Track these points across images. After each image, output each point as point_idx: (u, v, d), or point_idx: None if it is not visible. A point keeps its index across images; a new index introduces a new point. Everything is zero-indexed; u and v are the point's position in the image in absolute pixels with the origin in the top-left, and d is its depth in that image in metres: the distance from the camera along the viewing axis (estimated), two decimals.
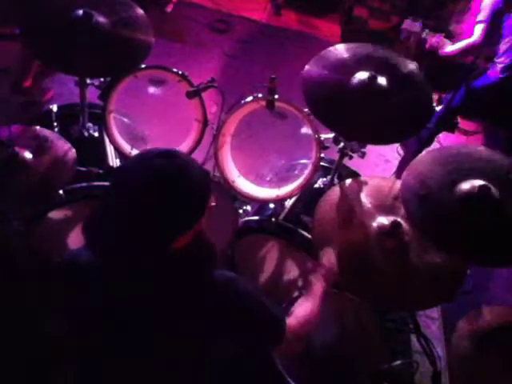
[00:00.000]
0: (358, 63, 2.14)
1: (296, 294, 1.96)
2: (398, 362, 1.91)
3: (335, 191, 2.05)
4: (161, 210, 1.14)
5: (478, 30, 2.83)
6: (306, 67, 2.12)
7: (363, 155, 2.31)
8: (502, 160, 1.90)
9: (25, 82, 3.21)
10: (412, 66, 2.19)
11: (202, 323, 1.23)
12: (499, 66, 2.92)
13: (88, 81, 2.35)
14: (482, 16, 2.80)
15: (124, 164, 1.23)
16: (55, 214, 2.24)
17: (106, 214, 1.17)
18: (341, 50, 2.20)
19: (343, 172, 2.45)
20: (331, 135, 2.28)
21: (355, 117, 2.04)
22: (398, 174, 3.23)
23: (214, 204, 1.25)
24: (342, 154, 2.29)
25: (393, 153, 3.57)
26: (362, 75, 2.07)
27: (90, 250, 1.21)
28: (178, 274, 1.21)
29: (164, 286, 1.21)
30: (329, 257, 1.77)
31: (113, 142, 2.41)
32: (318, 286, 1.64)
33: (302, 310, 1.52)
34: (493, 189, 1.73)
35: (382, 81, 2.07)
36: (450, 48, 2.94)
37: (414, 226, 1.81)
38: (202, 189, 1.21)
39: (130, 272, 1.19)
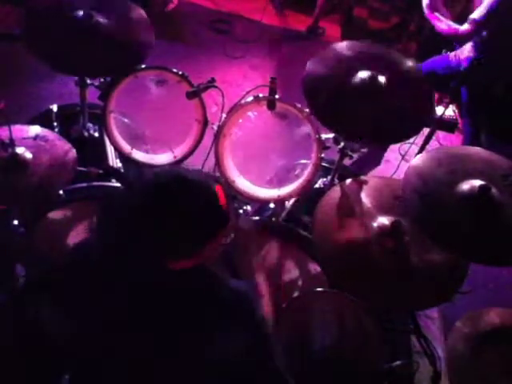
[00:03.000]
0: (359, 61, 2.14)
1: (296, 294, 1.96)
2: (398, 362, 1.91)
3: (335, 191, 2.05)
4: (164, 227, 1.14)
5: (469, 25, 2.82)
6: (307, 66, 2.12)
7: None
8: (500, 161, 1.90)
9: None
10: (411, 63, 2.20)
11: (201, 327, 1.24)
12: (465, 56, 2.97)
13: (88, 81, 2.35)
14: (477, 14, 2.79)
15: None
16: (55, 214, 2.24)
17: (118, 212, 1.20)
18: (342, 48, 2.20)
19: (343, 172, 2.45)
20: (331, 135, 2.28)
21: (355, 116, 2.05)
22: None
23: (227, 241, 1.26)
24: (343, 154, 2.29)
25: (393, 153, 3.55)
26: (362, 75, 2.07)
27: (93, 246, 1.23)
28: (174, 288, 1.23)
29: (163, 292, 1.22)
30: None
31: (113, 142, 2.41)
32: None
33: None
34: (493, 189, 1.73)
35: (382, 80, 2.08)
36: (441, 25, 2.93)
37: (415, 225, 1.81)
38: (209, 221, 1.19)
39: (131, 273, 1.20)
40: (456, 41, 3.02)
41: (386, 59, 2.20)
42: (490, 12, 2.71)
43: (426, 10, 2.95)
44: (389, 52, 2.24)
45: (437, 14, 2.92)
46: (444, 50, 3.15)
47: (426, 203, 1.76)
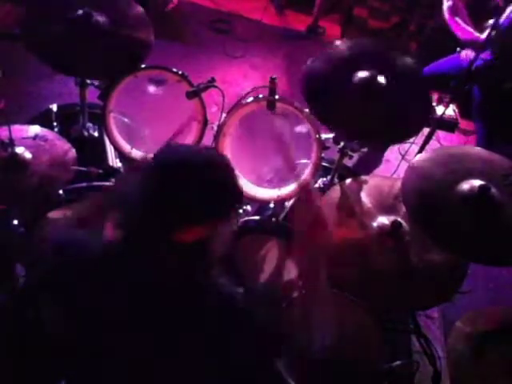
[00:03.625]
0: (359, 60, 2.13)
1: (296, 294, 1.96)
2: (398, 362, 1.91)
3: (335, 191, 2.05)
4: (184, 189, 1.14)
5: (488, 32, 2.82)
6: (307, 64, 2.12)
7: None
8: (501, 161, 1.90)
9: None
10: (411, 61, 2.19)
11: (201, 327, 1.24)
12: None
13: (88, 81, 2.35)
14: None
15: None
16: (55, 214, 2.24)
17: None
18: (342, 46, 2.20)
19: (343, 172, 2.46)
20: (331, 135, 2.28)
21: (355, 116, 2.04)
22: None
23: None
24: (342, 153, 2.29)
25: (393, 153, 3.56)
26: (361, 74, 2.07)
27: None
28: (174, 288, 1.23)
29: (162, 287, 1.22)
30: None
31: (113, 141, 2.41)
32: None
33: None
34: (493, 189, 1.73)
35: (381, 79, 2.08)
36: (462, 32, 2.93)
37: (415, 225, 1.81)
38: (229, 196, 1.22)
39: (131, 273, 1.20)
40: (475, 47, 2.94)
41: (385, 58, 2.19)
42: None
43: (446, 15, 2.93)
44: (388, 50, 2.23)
45: (457, 19, 2.92)
46: (458, 49, 3.13)
47: (425, 203, 1.76)
